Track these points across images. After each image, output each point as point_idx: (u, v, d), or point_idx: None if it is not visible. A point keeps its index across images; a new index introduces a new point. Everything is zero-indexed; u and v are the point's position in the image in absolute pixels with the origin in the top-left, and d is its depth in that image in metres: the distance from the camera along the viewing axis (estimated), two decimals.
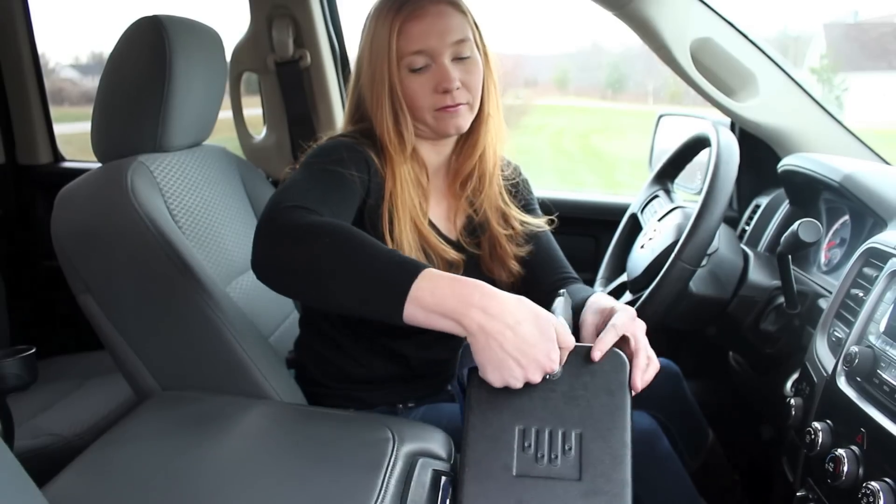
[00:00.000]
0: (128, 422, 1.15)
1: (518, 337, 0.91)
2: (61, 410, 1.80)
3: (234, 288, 1.55)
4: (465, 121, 1.30)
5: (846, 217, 1.51)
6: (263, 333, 1.47)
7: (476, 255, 1.41)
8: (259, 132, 2.28)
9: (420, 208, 1.31)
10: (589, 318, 1.19)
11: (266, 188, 1.82)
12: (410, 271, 0.92)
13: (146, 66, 1.42)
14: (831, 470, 1.00)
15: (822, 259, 1.55)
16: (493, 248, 1.41)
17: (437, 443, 1.11)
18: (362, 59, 1.30)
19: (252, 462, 1.02)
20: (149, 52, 1.41)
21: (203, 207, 1.54)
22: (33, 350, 1.33)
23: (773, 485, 1.66)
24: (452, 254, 1.34)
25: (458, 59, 1.27)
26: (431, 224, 1.35)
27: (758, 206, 1.86)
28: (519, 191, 1.49)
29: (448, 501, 0.99)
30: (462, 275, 1.26)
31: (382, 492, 0.95)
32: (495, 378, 0.94)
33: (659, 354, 1.56)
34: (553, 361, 0.94)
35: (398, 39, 1.24)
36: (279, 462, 1.02)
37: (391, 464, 1.01)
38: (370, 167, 1.26)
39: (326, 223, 0.99)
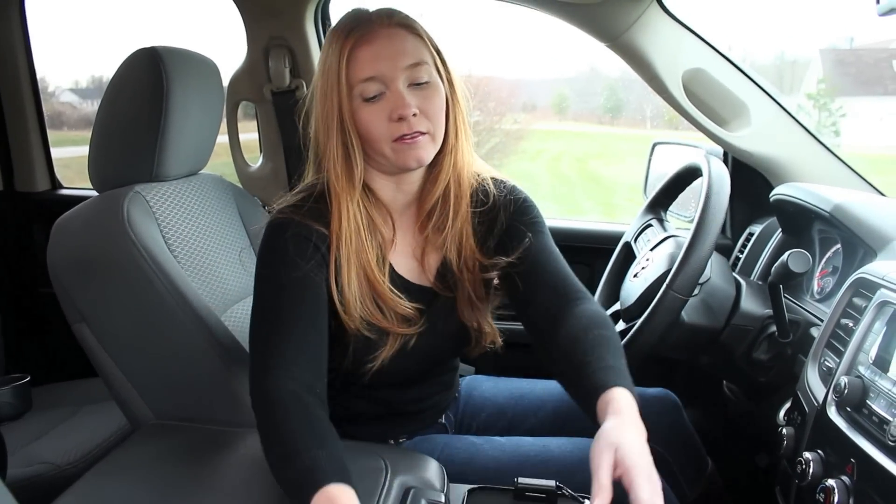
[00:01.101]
0: (121, 451, 1.16)
1: None
2: (55, 438, 1.80)
3: (229, 316, 1.56)
4: (426, 152, 1.20)
5: (838, 246, 1.53)
6: None
7: (451, 299, 1.31)
8: (255, 159, 2.30)
9: (374, 253, 1.23)
10: (605, 459, 0.96)
11: (262, 216, 1.84)
12: (310, 488, 0.94)
13: (143, 96, 1.44)
14: (822, 501, 1.01)
15: (815, 287, 1.56)
16: (463, 292, 1.30)
17: (430, 472, 1.12)
18: (315, 91, 1.23)
19: (245, 491, 1.03)
20: (146, 83, 1.44)
21: (199, 237, 1.55)
22: (27, 379, 1.34)
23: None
24: (406, 307, 1.25)
25: (414, 84, 1.19)
26: (393, 271, 1.28)
27: (751, 234, 1.88)
28: (515, 218, 1.33)
29: None
30: (433, 321, 1.29)
31: None
32: None
33: (653, 384, 1.58)
34: None
35: (348, 67, 1.17)
36: (272, 492, 1.03)
37: (383, 493, 1.02)
38: (320, 246, 1.19)
39: (283, 409, 1.04)
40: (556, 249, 1.33)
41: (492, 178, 1.35)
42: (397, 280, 1.28)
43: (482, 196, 1.32)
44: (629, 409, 1.02)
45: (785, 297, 1.37)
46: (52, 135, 2.54)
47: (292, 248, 1.17)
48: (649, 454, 0.97)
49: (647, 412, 1.47)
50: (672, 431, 1.51)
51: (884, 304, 1.11)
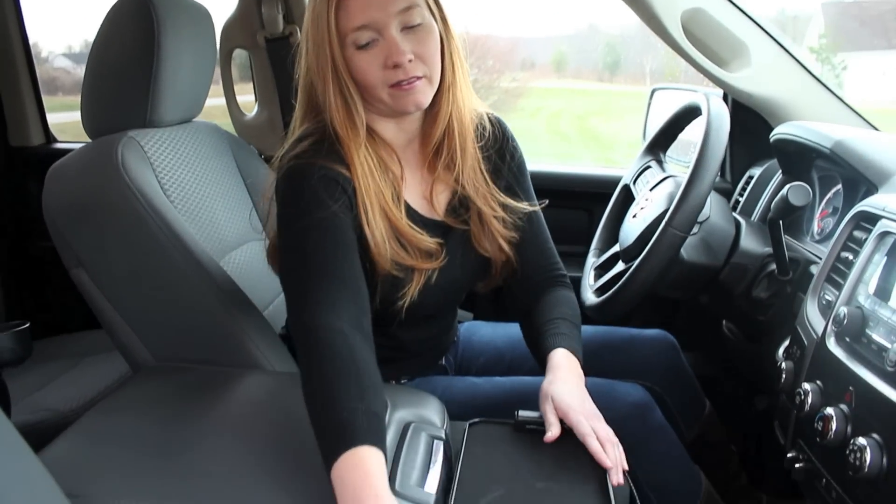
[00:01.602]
0: (121, 392, 1.16)
1: None
2: (57, 387, 1.81)
3: (226, 263, 1.56)
4: (424, 96, 1.20)
5: (839, 186, 1.52)
6: (257, 307, 1.48)
7: (466, 231, 1.34)
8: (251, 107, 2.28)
9: (389, 192, 1.24)
10: (546, 406, 1.15)
11: (258, 165, 1.82)
12: (341, 445, 0.92)
13: (134, 41, 1.42)
14: (820, 429, 1.02)
15: (815, 228, 1.56)
16: (481, 223, 1.34)
17: (430, 409, 1.13)
18: (306, 42, 1.21)
19: (245, 429, 1.04)
20: (137, 28, 1.42)
21: (195, 183, 1.54)
22: (27, 325, 1.34)
23: (767, 453, 1.68)
24: (428, 241, 1.26)
25: (407, 28, 1.17)
26: (409, 208, 1.29)
27: (751, 178, 1.87)
28: (505, 159, 1.40)
29: (441, 468, 1.00)
30: (452, 255, 1.31)
31: None
32: None
33: (653, 325, 1.59)
34: None
35: (338, 15, 1.16)
36: (271, 428, 1.03)
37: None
38: (346, 188, 1.19)
39: (328, 356, 1.01)
40: (544, 222, 1.44)
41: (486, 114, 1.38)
42: (414, 215, 1.29)
43: (483, 132, 1.35)
44: (564, 364, 1.20)
45: (785, 237, 1.37)
46: (47, 101, 2.52)
47: (322, 189, 1.16)
48: (584, 396, 1.15)
49: (646, 353, 1.51)
50: (670, 372, 1.52)
51: (884, 234, 1.11)
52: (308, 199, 1.15)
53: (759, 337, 1.51)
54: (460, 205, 1.33)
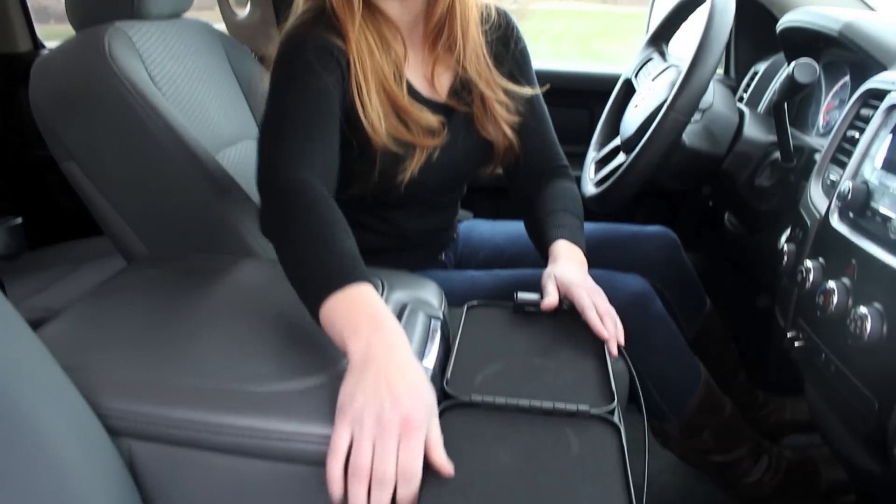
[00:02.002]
0: (114, 281, 1.14)
1: (394, 380, 0.76)
2: (56, 290, 1.81)
3: (221, 158, 1.52)
4: None
5: (846, 78, 1.49)
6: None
7: (469, 114, 1.32)
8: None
9: (391, 70, 1.21)
10: (549, 281, 1.14)
11: (253, 65, 1.78)
12: (328, 288, 0.85)
13: None
14: (821, 303, 1.01)
15: (821, 122, 1.53)
16: (483, 107, 1.31)
17: (428, 292, 1.11)
18: None
19: (244, 308, 1.02)
20: None
21: (186, 77, 1.50)
22: (20, 220, 1.32)
23: (767, 350, 1.69)
24: (430, 118, 1.25)
25: None
26: (410, 86, 1.26)
27: (756, 73, 1.83)
28: (509, 47, 1.37)
29: (438, 346, 0.99)
30: (454, 135, 1.29)
31: None
32: (343, 406, 0.76)
33: (656, 222, 1.57)
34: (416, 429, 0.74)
35: None
36: (269, 307, 1.02)
37: None
38: (340, 61, 1.16)
39: (303, 206, 0.95)
40: (547, 113, 1.41)
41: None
42: (416, 94, 1.27)
43: (488, 18, 1.33)
44: (566, 252, 1.20)
45: (790, 128, 1.33)
46: (39, 29, 2.46)
47: (314, 58, 1.14)
48: (587, 276, 1.14)
49: (647, 249, 1.49)
50: (670, 268, 1.51)
51: (892, 108, 1.08)
52: (300, 65, 1.13)
53: (762, 228, 1.49)
54: (462, 87, 1.31)
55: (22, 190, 2.41)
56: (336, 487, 0.72)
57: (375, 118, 1.18)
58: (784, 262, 1.19)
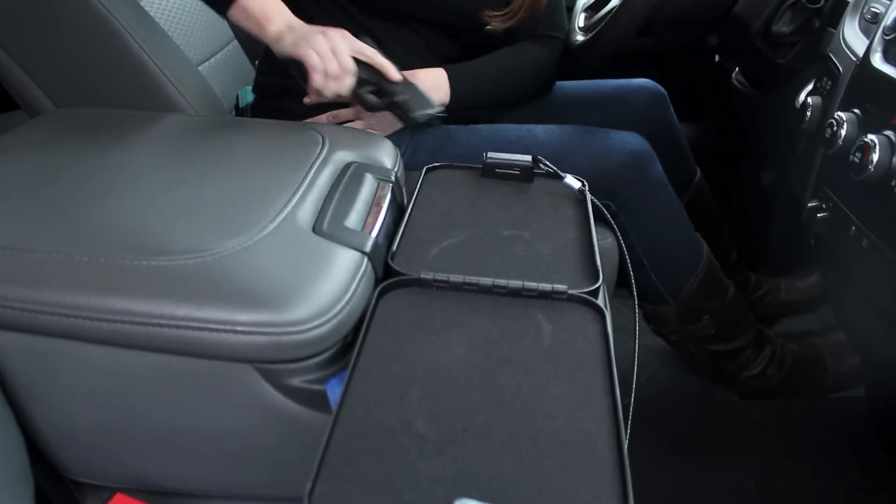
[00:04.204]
0: (10, 135, 0.94)
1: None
2: None
3: (148, 5, 1.30)
4: None
5: None
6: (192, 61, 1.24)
7: None
8: None
9: None
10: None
11: None
12: None
13: None
14: (858, 161, 0.81)
15: None
16: None
17: (379, 150, 0.92)
18: None
19: (151, 171, 0.83)
20: None
21: None
22: None
23: (765, 230, 1.52)
24: None
25: None
26: None
27: None
28: None
29: (386, 213, 0.80)
30: None
31: (301, 192, 0.76)
32: (297, 44, 0.98)
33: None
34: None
35: None
36: (182, 171, 0.83)
37: (315, 167, 0.82)
38: None
39: None
40: None
41: None
42: None
43: None
44: (428, 73, 1.14)
45: None
46: None
47: None
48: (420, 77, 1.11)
49: (633, 105, 1.31)
50: (658, 128, 1.34)
51: None
52: None
53: (777, 85, 1.28)
54: None
55: None
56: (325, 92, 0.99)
57: None
58: (807, 119, 1.00)
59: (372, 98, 1.04)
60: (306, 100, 1.03)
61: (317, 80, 0.97)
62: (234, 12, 1.01)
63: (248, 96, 1.26)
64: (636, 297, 0.84)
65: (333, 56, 0.97)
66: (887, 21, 0.86)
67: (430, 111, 1.04)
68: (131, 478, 0.76)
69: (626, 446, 0.54)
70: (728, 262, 1.50)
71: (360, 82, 1.01)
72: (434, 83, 1.13)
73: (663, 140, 1.32)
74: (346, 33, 1.00)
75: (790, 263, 1.59)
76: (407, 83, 1.04)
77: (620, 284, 1.07)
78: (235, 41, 1.55)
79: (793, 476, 1.21)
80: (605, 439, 0.55)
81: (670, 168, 1.32)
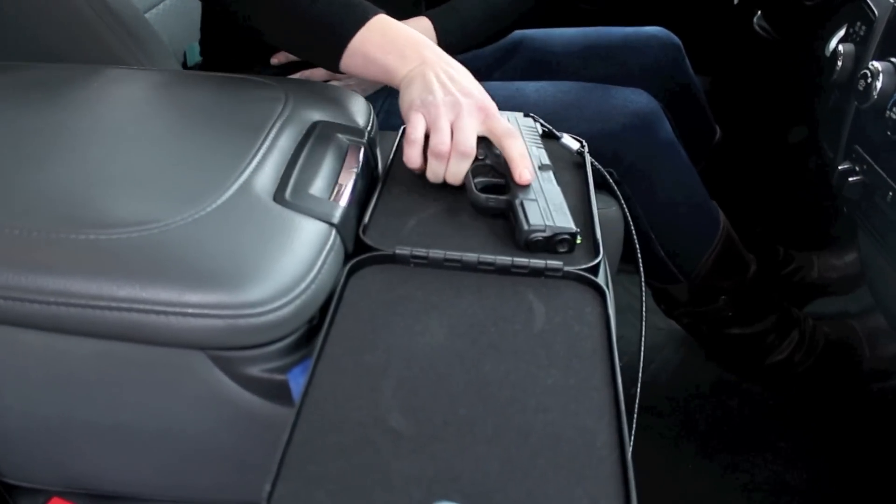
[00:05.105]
0: None
1: (457, 78, 0.85)
2: None
3: None
4: None
5: None
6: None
7: None
8: None
9: None
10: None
11: None
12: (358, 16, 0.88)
13: None
14: (895, 117, 0.82)
15: None
16: None
17: (351, 107, 0.92)
18: None
19: (93, 131, 0.83)
20: None
21: None
22: None
23: (795, 196, 1.54)
24: None
25: None
26: None
27: None
28: None
29: (357, 180, 0.81)
30: None
31: (260, 156, 0.76)
32: (414, 104, 0.84)
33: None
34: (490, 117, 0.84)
35: None
36: (126, 127, 0.84)
37: (276, 126, 0.82)
38: None
39: None
40: None
41: None
42: None
43: None
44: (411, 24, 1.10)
45: None
46: None
47: None
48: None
49: (641, 56, 1.32)
50: (671, 80, 1.36)
51: None
52: None
53: (803, 31, 1.30)
54: None
55: None
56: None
57: None
58: (838, 69, 1.01)
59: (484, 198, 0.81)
60: (273, 60, 1.03)
61: (410, 155, 0.83)
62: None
63: (195, 55, 1.26)
64: (643, 275, 0.85)
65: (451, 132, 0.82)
66: None
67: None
68: (70, 480, 0.77)
69: (629, 444, 0.55)
70: (751, 235, 1.52)
71: (478, 170, 0.84)
72: (420, 30, 1.12)
73: (678, 96, 1.34)
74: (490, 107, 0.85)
75: (825, 236, 1.60)
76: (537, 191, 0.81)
77: (625, 259, 1.08)
78: None
79: (827, 479, 1.23)
80: (605, 435, 0.55)
81: (687, 128, 1.35)
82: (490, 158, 0.84)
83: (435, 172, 0.82)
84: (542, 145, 0.88)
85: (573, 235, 0.74)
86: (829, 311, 1.52)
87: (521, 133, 0.88)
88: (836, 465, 1.25)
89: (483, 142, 0.83)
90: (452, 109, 0.82)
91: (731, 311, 1.26)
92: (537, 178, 0.81)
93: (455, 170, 0.81)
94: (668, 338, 1.50)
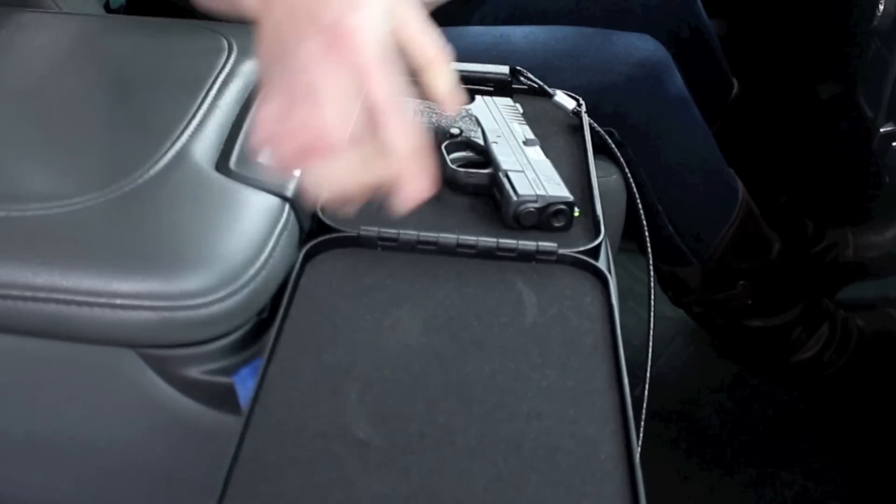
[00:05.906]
0: None
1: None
2: None
3: None
4: None
5: None
6: None
7: None
8: None
9: None
10: None
11: None
12: None
13: None
14: None
15: None
16: None
17: None
18: None
19: (7, 80, 0.85)
20: None
21: None
22: None
23: (824, 162, 1.56)
24: None
25: None
26: None
27: None
28: None
29: None
30: None
31: (199, 119, 0.76)
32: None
33: None
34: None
35: None
36: (40, 84, 0.85)
37: (221, 77, 0.82)
38: None
39: None
40: None
41: None
42: None
43: None
44: None
45: None
46: None
47: None
48: None
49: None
50: (680, 24, 1.38)
51: None
52: None
53: None
54: None
55: None
56: None
57: None
58: (879, 13, 1.03)
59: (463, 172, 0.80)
60: None
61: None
62: None
63: None
64: (650, 256, 0.86)
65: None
66: None
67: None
68: None
69: (637, 454, 0.55)
70: (774, 207, 1.53)
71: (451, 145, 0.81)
72: None
73: (688, 43, 1.34)
74: None
75: (862, 209, 1.62)
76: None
77: (627, 237, 1.08)
78: None
79: (865, 498, 1.24)
80: (609, 445, 0.56)
81: (699, 81, 1.35)
82: (466, 133, 0.83)
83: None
84: (523, 121, 0.87)
85: (570, 206, 0.74)
86: (867, 296, 1.53)
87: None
88: (876, 483, 1.27)
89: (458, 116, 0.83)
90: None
91: (750, 300, 1.27)
92: (521, 151, 0.80)
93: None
94: (677, 330, 1.51)
